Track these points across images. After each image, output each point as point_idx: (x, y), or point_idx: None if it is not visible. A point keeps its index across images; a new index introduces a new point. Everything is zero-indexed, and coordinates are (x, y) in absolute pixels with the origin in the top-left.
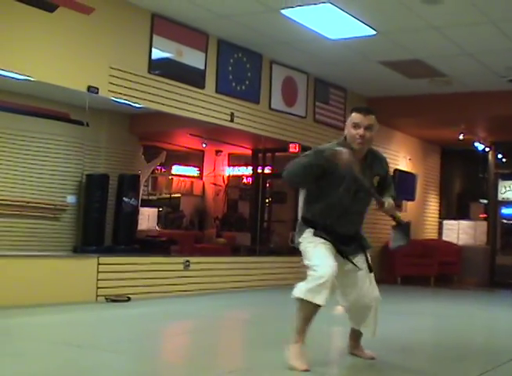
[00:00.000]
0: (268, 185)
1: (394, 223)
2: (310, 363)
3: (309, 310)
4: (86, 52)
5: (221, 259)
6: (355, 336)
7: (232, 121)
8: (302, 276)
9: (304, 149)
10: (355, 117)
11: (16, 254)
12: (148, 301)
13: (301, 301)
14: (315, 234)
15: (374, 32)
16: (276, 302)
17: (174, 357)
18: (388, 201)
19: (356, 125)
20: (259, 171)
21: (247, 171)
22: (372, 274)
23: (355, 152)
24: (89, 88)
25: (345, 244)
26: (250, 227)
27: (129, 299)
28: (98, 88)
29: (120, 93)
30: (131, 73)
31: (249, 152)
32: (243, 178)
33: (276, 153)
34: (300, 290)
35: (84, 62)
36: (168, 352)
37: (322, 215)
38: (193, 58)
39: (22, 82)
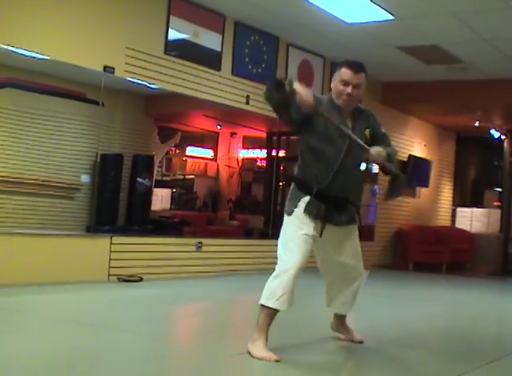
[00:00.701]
0: (282, 168)
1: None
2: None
3: (270, 313)
4: (103, 32)
5: (233, 242)
6: (340, 316)
7: (247, 103)
8: (314, 260)
9: None
10: (344, 73)
11: (30, 233)
12: (160, 281)
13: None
14: (308, 210)
15: (392, 17)
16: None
17: (185, 338)
18: (376, 149)
19: (345, 82)
20: (273, 154)
21: (262, 153)
22: (359, 250)
23: (341, 109)
24: (105, 68)
25: (339, 212)
26: (263, 210)
27: (141, 279)
28: (114, 68)
29: (136, 73)
30: (147, 53)
31: (264, 135)
32: (257, 161)
33: (291, 137)
34: (263, 294)
35: (100, 42)
36: (180, 333)
37: (317, 177)
38: (210, 39)
39: (38, 61)
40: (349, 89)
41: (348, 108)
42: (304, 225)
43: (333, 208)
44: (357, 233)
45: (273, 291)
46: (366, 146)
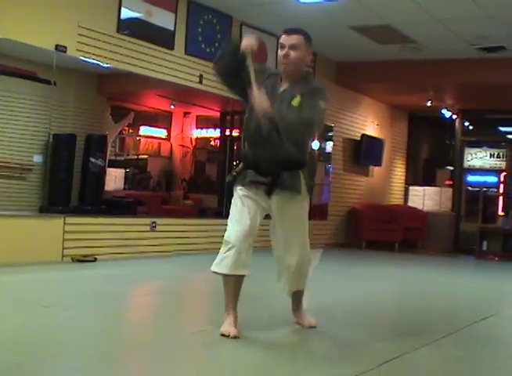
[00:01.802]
0: (235, 147)
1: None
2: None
3: (225, 281)
4: (54, 10)
5: (187, 221)
6: (294, 298)
7: (200, 82)
8: (267, 239)
9: None
10: (281, 38)
11: None
12: (114, 261)
13: (217, 274)
14: (245, 179)
15: None
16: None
17: (138, 317)
18: (259, 95)
19: (281, 46)
20: (227, 133)
21: (215, 133)
22: (302, 225)
23: (286, 76)
24: (57, 47)
25: (274, 179)
26: (217, 189)
27: (95, 260)
28: (66, 47)
29: (88, 52)
30: (99, 32)
31: (217, 114)
32: (210, 141)
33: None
34: (214, 262)
35: (52, 20)
36: (133, 312)
37: (250, 145)
38: (163, 18)
39: None
40: (285, 50)
41: (290, 74)
42: (245, 189)
43: (262, 175)
44: (303, 205)
45: (218, 257)
46: (253, 84)
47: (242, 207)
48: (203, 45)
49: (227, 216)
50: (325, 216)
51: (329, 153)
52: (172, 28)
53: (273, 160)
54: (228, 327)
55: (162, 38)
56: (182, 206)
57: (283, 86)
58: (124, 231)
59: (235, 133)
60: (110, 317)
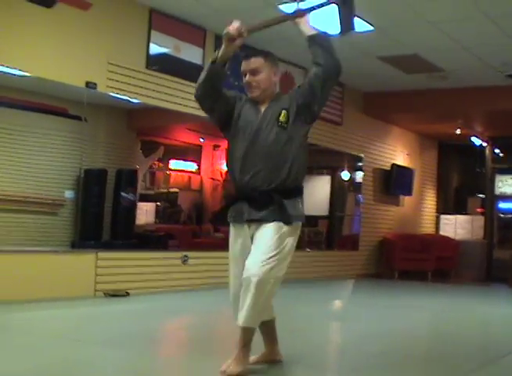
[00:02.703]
0: None
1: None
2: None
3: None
4: (84, 48)
5: (218, 254)
6: (264, 329)
7: None
8: (301, 271)
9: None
10: (242, 65)
11: (16, 250)
12: (146, 296)
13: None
14: (232, 212)
15: (372, 27)
16: (274, 296)
17: (171, 352)
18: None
19: (243, 74)
20: None
21: None
22: (269, 244)
23: (256, 101)
24: (87, 84)
25: (256, 207)
26: None
27: (128, 294)
28: (96, 84)
29: (118, 88)
30: (129, 68)
31: None
32: None
33: None
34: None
35: (82, 57)
36: (166, 347)
37: (233, 170)
38: (191, 53)
39: (20, 78)
40: (246, 78)
41: (261, 98)
42: (234, 235)
43: (249, 204)
44: (274, 227)
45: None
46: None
47: (233, 253)
48: (231, 79)
49: None
50: (356, 247)
51: (359, 183)
52: (200, 62)
53: (254, 183)
54: (228, 363)
55: (190, 73)
56: (213, 239)
57: (262, 108)
58: (156, 265)
59: None
60: (143, 352)
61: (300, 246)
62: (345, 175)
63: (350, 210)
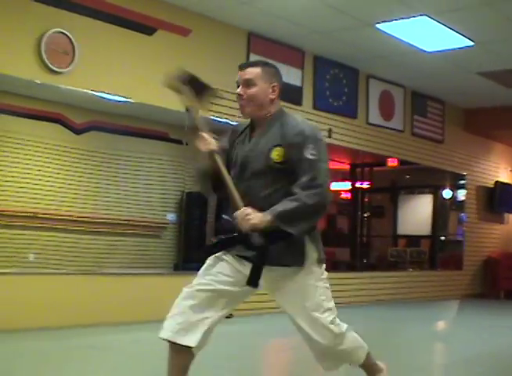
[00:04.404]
0: (366, 199)
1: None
2: None
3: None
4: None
5: None
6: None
7: (329, 136)
8: (403, 291)
9: (401, 163)
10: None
11: (119, 272)
12: (249, 317)
13: None
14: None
15: (471, 43)
16: (377, 317)
17: (274, 374)
18: (252, 216)
19: (237, 84)
20: (357, 185)
21: (345, 186)
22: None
23: (252, 121)
24: (188, 108)
25: (245, 247)
26: (349, 242)
27: (232, 316)
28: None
29: (218, 112)
30: (229, 92)
31: (347, 167)
32: (341, 193)
33: (374, 168)
34: None
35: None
36: (269, 368)
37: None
38: (290, 75)
39: (122, 104)
40: (238, 89)
41: (253, 116)
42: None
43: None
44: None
45: None
46: (239, 203)
47: (205, 268)
48: (330, 100)
49: (360, 269)
50: (460, 266)
51: (461, 201)
52: (300, 84)
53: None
54: None
55: (290, 94)
56: None
57: (255, 135)
58: None
59: (365, 185)
60: (246, 374)
61: (402, 266)
62: (447, 193)
63: (452, 229)
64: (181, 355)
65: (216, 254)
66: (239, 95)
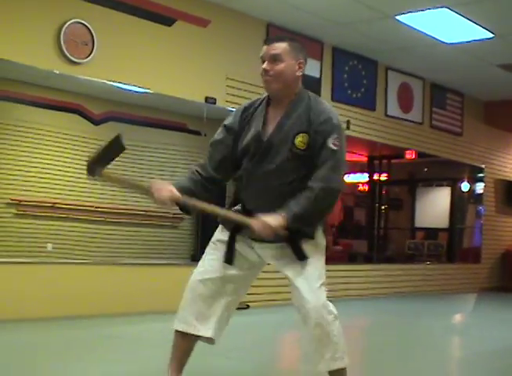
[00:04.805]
0: (384, 192)
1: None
2: None
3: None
4: (203, 64)
5: (338, 267)
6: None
7: (348, 128)
8: (421, 284)
9: (420, 155)
10: (261, 50)
11: (136, 262)
12: (266, 308)
13: None
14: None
15: (492, 35)
16: (394, 310)
17: (290, 364)
18: (261, 221)
19: (262, 60)
20: (375, 178)
21: (363, 178)
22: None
23: (274, 99)
24: (207, 99)
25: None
26: (366, 234)
27: (248, 307)
28: (215, 99)
29: (237, 103)
30: (247, 83)
31: (365, 159)
32: (358, 186)
33: (392, 160)
34: None
35: (201, 73)
36: (285, 359)
37: (238, 192)
38: (308, 66)
39: (141, 94)
40: (264, 65)
41: (277, 94)
42: (218, 234)
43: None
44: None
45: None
46: (247, 220)
47: (207, 261)
48: (349, 91)
49: (378, 261)
50: (478, 259)
51: (479, 194)
52: (318, 75)
53: (258, 209)
54: None
55: (308, 86)
56: (333, 252)
57: (274, 114)
58: (276, 278)
59: (383, 177)
60: (262, 365)
61: (420, 259)
62: (465, 186)
63: (470, 222)
64: (186, 339)
65: (218, 238)
66: (266, 70)
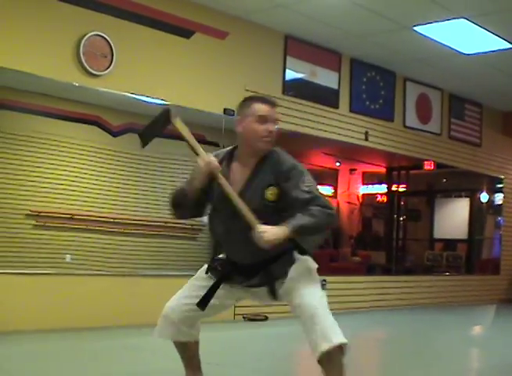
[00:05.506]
0: (402, 203)
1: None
2: None
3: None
4: (221, 76)
5: (356, 278)
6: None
7: (366, 139)
8: (439, 296)
9: (438, 166)
10: (260, 108)
11: (154, 274)
12: (285, 320)
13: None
14: (210, 266)
15: (510, 45)
16: (412, 322)
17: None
18: (264, 232)
19: (264, 119)
20: (393, 189)
21: (382, 189)
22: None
23: (250, 155)
24: (225, 111)
25: (247, 276)
26: (385, 246)
27: (266, 318)
28: (234, 110)
29: None
30: (265, 95)
31: (383, 170)
32: (377, 197)
33: (411, 171)
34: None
35: (219, 85)
36: (304, 371)
37: (217, 243)
38: (327, 78)
39: (160, 106)
40: (271, 126)
41: (259, 153)
42: (203, 273)
43: (238, 273)
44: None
45: None
46: (254, 225)
47: (188, 287)
48: (367, 102)
49: (396, 272)
50: (497, 271)
51: (499, 205)
52: (336, 87)
53: (242, 260)
54: None
55: (326, 97)
56: (351, 263)
57: (243, 169)
58: None
59: (401, 188)
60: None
61: (439, 270)
62: (484, 197)
63: (489, 233)
64: (184, 346)
65: (200, 284)
66: (271, 132)
